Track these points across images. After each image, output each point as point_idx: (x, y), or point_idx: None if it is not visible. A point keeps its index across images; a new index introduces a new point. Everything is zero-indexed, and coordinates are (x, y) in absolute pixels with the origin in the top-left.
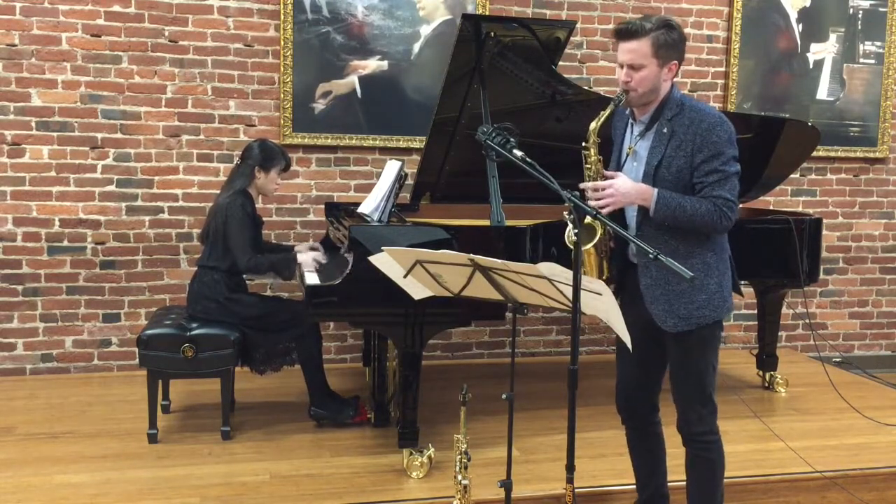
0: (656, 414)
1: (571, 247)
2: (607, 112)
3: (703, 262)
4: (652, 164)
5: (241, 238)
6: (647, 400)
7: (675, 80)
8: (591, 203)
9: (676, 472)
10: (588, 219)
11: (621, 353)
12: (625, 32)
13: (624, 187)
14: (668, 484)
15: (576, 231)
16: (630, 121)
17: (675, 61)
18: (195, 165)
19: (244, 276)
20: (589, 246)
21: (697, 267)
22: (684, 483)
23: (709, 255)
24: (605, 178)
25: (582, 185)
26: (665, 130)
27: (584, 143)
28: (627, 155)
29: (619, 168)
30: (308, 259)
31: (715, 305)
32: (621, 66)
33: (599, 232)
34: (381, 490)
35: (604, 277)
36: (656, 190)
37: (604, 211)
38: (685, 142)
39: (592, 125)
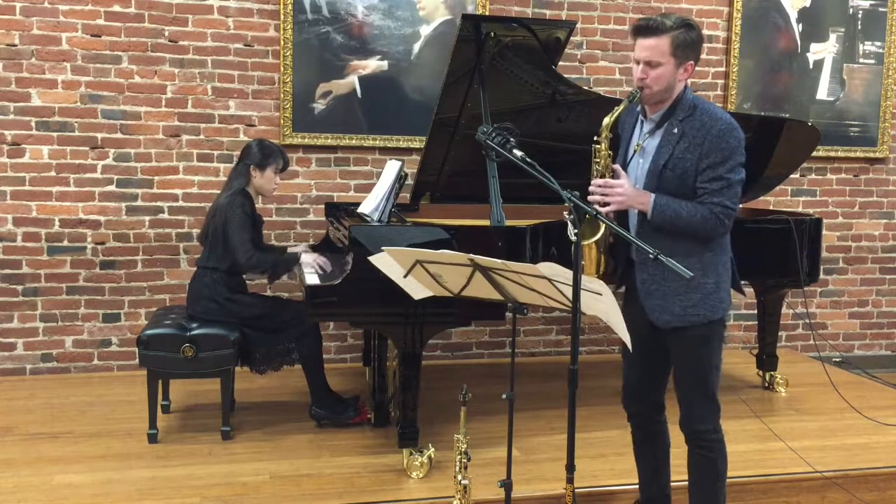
0: (662, 413)
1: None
2: (621, 107)
3: (701, 261)
4: (658, 163)
5: (240, 236)
6: (653, 398)
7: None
8: (595, 198)
9: (680, 471)
10: None
11: (627, 352)
12: (644, 29)
13: (627, 191)
14: (672, 484)
15: (576, 231)
16: (640, 117)
17: (692, 62)
18: (195, 165)
19: (244, 275)
20: (591, 241)
21: (695, 266)
22: (687, 483)
23: (707, 254)
24: (615, 173)
25: (593, 183)
26: (675, 131)
27: (595, 138)
28: (635, 151)
29: (624, 164)
30: (311, 261)
31: (711, 305)
32: (637, 63)
33: (603, 227)
34: (381, 490)
35: (601, 272)
36: (653, 196)
37: (606, 209)
38: (694, 145)
39: (606, 120)
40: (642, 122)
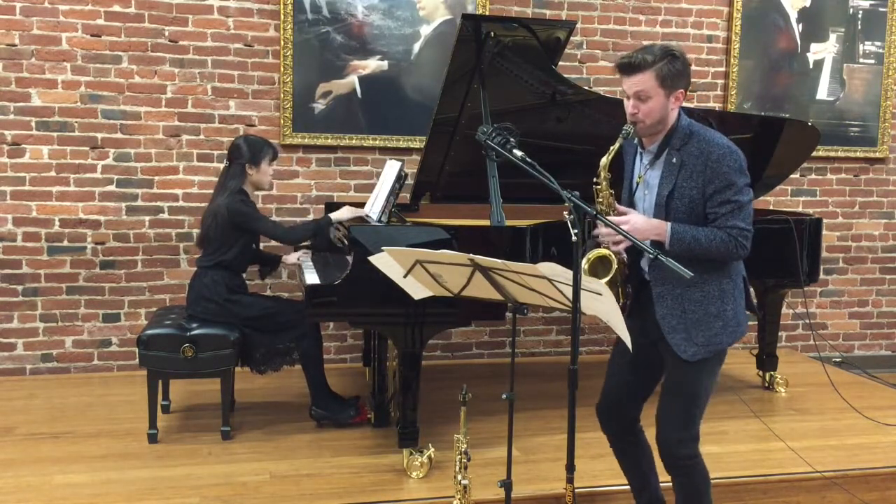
0: (636, 425)
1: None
2: (616, 146)
3: (720, 288)
4: (663, 195)
5: (263, 223)
6: (631, 410)
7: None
8: (604, 239)
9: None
10: (604, 251)
11: (614, 361)
12: (627, 67)
13: (638, 223)
14: (661, 485)
15: (576, 231)
16: (639, 149)
17: (682, 89)
18: (195, 165)
19: (293, 243)
20: (604, 280)
21: (714, 294)
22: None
23: (725, 281)
24: (618, 212)
25: (597, 230)
26: (674, 160)
27: (595, 179)
28: (638, 184)
29: (630, 197)
30: (346, 215)
31: (731, 331)
32: (627, 98)
33: (615, 266)
34: (381, 490)
35: (620, 303)
36: (670, 224)
37: (619, 247)
38: (695, 172)
39: (603, 161)
40: (641, 153)
